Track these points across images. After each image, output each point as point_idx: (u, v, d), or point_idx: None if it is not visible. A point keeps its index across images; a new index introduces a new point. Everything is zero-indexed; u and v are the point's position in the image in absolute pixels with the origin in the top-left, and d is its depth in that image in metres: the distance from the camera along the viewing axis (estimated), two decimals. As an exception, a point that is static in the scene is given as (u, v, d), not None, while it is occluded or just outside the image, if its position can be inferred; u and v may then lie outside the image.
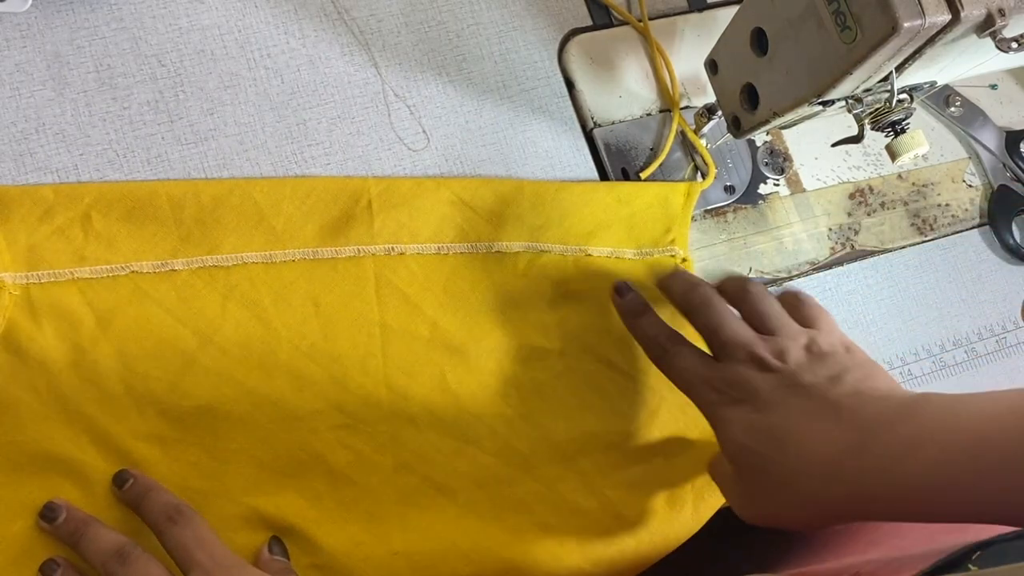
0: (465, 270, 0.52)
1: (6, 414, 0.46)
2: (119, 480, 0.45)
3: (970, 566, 0.37)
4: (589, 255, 0.54)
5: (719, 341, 0.44)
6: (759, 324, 0.44)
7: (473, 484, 0.51)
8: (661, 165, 0.57)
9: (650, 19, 0.57)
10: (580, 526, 0.52)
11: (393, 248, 0.52)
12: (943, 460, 0.34)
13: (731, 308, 0.46)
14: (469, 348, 0.52)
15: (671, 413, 0.48)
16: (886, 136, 0.46)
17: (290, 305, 0.50)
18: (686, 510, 0.53)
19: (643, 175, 0.55)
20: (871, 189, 0.61)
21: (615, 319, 0.52)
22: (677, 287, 0.48)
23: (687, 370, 0.44)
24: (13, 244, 0.47)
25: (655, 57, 0.57)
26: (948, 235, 0.62)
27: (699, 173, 0.57)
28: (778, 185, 0.60)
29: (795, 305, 0.46)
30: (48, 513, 0.43)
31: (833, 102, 0.44)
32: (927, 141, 0.45)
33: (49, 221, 0.47)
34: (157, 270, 0.49)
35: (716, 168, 0.57)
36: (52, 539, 0.44)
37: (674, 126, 0.57)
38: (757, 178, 0.60)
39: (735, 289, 0.47)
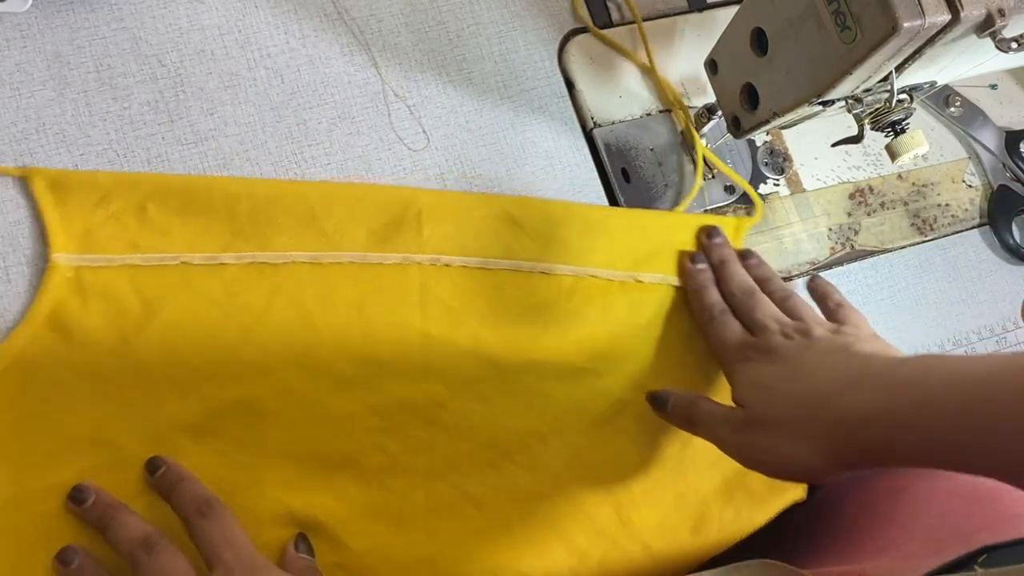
0: (509, 286, 0.53)
1: (46, 392, 0.47)
2: (152, 466, 0.46)
3: (976, 567, 0.38)
4: (639, 281, 0.55)
5: (756, 319, 0.48)
6: (791, 313, 0.49)
7: (503, 496, 0.51)
8: (661, 164, 0.57)
9: (650, 19, 0.57)
10: (605, 548, 0.52)
11: (439, 259, 0.53)
12: (934, 398, 0.35)
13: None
14: (508, 362, 0.53)
15: (703, 445, 0.48)
16: (886, 136, 0.46)
17: (334, 307, 0.51)
18: (710, 538, 0.53)
19: (681, 208, 0.56)
20: (871, 189, 0.61)
21: (656, 350, 0.54)
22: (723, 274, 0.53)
23: (727, 337, 0.49)
24: (69, 227, 0.48)
25: (651, 58, 0.57)
26: (948, 235, 0.62)
27: (710, 173, 0.56)
28: (778, 185, 0.60)
29: (830, 307, 0.51)
30: (77, 495, 0.44)
31: (833, 102, 0.45)
32: (927, 141, 0.45)
33: (105, 207, 0.48)
34: (207, 263, 0.50)
35: (716, 169, 0.57)
36: (79, 522, 0.44)
37: (691, 137, 0.57)
38: (757, 178, 0.60)
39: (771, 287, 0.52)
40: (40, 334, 0.47)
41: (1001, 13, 0.37)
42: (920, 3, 0.37)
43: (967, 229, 0.62)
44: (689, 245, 0.56)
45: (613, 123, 0.57)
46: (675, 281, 0.55)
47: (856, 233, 0.60)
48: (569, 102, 0.56)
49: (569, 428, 0.53)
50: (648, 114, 0.57)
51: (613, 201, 0.56)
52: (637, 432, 0.53)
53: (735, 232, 0.57)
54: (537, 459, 0.52)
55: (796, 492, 0.55)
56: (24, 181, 0.48)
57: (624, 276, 0.55)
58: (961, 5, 0.37)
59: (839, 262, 0.60)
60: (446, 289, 0.52)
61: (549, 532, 0.51)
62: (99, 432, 0.47)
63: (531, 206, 0.53)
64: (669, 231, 0.55)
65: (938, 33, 0.38)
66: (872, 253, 0.60)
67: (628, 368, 0.54)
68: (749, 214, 0.58)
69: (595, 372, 0.53)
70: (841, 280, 0.59)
